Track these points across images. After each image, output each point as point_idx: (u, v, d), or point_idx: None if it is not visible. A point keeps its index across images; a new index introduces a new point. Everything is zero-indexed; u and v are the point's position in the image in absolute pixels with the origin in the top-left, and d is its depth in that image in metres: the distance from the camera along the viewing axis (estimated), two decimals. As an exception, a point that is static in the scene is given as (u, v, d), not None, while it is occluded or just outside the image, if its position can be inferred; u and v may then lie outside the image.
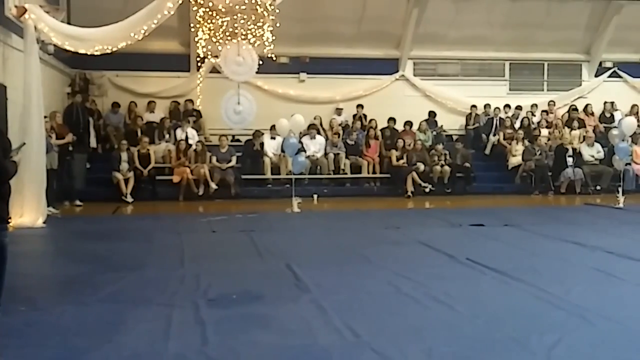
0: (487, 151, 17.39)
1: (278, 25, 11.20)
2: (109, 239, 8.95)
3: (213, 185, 14.51)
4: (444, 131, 17.76)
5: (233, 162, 15.06)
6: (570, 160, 15.74)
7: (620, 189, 12.96)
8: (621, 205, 12.54)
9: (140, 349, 4.16)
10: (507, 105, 18.17)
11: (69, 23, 12.93)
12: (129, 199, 14.08)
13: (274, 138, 15.59)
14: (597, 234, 9.09)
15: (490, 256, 7.18)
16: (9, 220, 5.19)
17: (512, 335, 4.34)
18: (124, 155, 14.43)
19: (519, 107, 18.09)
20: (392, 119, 17.13)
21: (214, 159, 14.97)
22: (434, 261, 7.17)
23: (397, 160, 15.75)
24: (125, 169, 14.29)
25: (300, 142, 14.73)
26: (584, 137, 16.72)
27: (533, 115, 18.02)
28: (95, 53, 11.02)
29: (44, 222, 10.25)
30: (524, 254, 7.68)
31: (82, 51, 11.17)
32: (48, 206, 10.86)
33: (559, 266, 6.82)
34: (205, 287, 5.82)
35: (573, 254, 7.54)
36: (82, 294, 5.58)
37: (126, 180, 14.22)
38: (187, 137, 15.38)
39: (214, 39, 10.84)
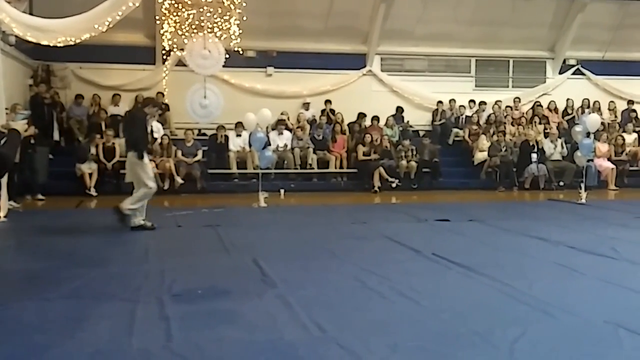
0: (450, 141, 17.54)
1: (245, 18, 11.16)
2: (72, 233, 8.82)
3: (179, 180, 14.39)
4: (411, 127, 17.87)
5: (199, 157, 14.95)
6: (534, 156, 15.95)
7: (582, 185, 13.17)
8: (583, 201, 12.75)
9: (103, 345, 4.09)
10: (472, 101, 18.36)
11: (31, 14, 12.70)
12: (93, 192, 13.90)
13: (239, 135, 15.50)
14: (560, 229, 9.22)
15: (455, 251, 7.23)
16: None
17: (476, 330, 4.38)
18: (93, 149, 14.24)
19: (483, 103, 18.27)
20: (362, 114, 17.19)
21: (179, 153, 14.84)
22: (400, 256, 7.19)
23: (364, 155, 15.80)
24: (90, 162, 14.10)
25: (267, 136, 14.69)
26: (547, 133, 16.97)
27: (500, 111, 18.21)
28: (58, 45, 10.85)
29: (4, 217, 10.06)
30: (488, 249, 7.76)
31: (44, 42, 11.00)
32: (9, 200, 10.66)
33: (522, 261, 6.89)
34: (170, 282, 5.76)
35: (536, 249, 7.63)
36: (44, 290, 5.48)
37: (90, 174, 14.03)
38: (152, 131, 15.20)
39: (180, 32, 10.75)
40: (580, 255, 7.15)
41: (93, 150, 14.20)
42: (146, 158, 8.97)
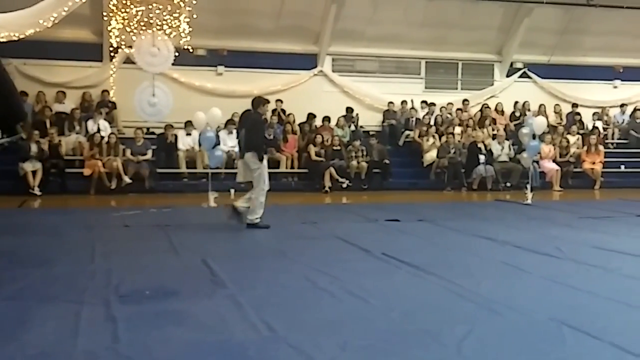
0: (401, 143, 17.71)
1: (195, 16, 11.04)
2: (15, 233, 8.58)
3: (126, 179, 14.16)
4: (361, 127, 17.97)
5: (149, 156, 14.74)
6: (482, 157, 16.22)
7: (528, 186, 13.45)
8: (529, 201, 13.00)
9: (48, 347, 3.99)
10: (424, 102, 18.55)
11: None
12: (37, 192, 13.56)
13: (189, 134, 15.34)
14: (507, 229, 9.39)
15: (404, 251, 7.29)
16: None
17: (425, 328, 4.42)
18: (34, 147, 13.88)
19: (432, 104, 18.49)
20: (312, 115, 17.21)
21: (128, 152, 14.61)
22: (350, 256, 7.22)
23: (315, 155, 15.81)
24: (34, 161, 13.75)
25: (217, 136, 14.56)
26: (495, 135, 17.27)
27: (449, 113, 18.45)
28: (1, 39, 10.55)
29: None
30: (437, 248, 7.86)
31: (-15, 37, 10.70)
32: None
33: (470, 260, 7.00)
34: (117, 283, 5.65)
35: (484, 248, 7.76)
36: (-15, 292, 5.32)
37: (34, 173, 13.68)
38: (99, 129, 14.95)
39: (128, 29, 10.57)
40: (526, 254, 7.30)
41: (34, 149, 13.84)
42: (265, 160, 9.16)
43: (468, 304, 5.08)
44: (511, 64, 19.82)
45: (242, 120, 9.60)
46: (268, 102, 9.50)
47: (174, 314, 4.77)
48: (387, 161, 16.25)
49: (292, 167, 16.11)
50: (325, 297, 5.30)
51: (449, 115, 18.34)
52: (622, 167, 18.07)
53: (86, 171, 14.15)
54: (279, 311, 4.84)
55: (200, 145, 14.64)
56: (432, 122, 17.90)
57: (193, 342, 4.12)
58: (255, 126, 9.35)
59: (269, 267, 6.53)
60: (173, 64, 14.08)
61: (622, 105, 20.19)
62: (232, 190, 14.10)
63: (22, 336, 4.16)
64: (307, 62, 18.26)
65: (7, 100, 2.70)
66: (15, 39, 10.56)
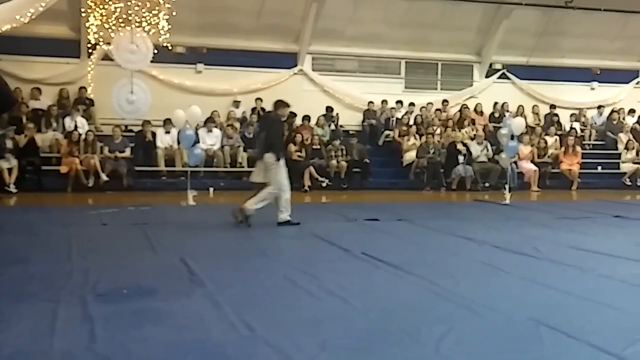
0: (380, 142, 17.74)
1: (174, 14, 10.95)
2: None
3: (103, 177, 14.05)
4: (341, 126, 17.97)
5: (127, 154, 14.63)
6: (461, 158, 16.30)
7: (506, 186, 13.54)
8: (507, 201, 13.10)
9: (23, 347, 3.93)
10: (400, 102, 18.59)
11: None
12: (13, 189, 13.39)
13: (168, 132, 15.24)
14: (485, 229, 9.44)
15: (384, 250, 7.30)
16: None
17: (403, 328, 4.42)
18: (9, 143, 13.70)
19: (412, 104, 18.54)
20: (292, 114, 17.16)
21: (105, 149, 14.49)
22: (330, 255, 7.22)
23: (295, 154, 15.79)
24: (9, 158, 13.59)
25: (196, 134, 14.48)
26: (474, 135, 17.37)
27: (428, 113, 18.51)
28: (-23, 35, 10.43)
29: None
30: (416, 248, 7.88)
31: (-40, 32, 10.54)
32: None
33: (449, 260, 7.02)
34: (94, 282, 5.59)
35: (462, 248, 7.79)
36: (-41, 290, 5.24)
37: (9, 170, 13.51)
38: (76, 126, 14.80)
39: (106, 25, 10.47)
40: (504, 254, 7.34)
41: (9, 145, 13.66)
42: (282, 160, 9.26)
43: (447, 303, 5.09)
44: (490, 65, 19.95)
45: (262, 122, 9.76)
46: (289, 105, 9.63)
47: (151, 313, 4.73)
48: (367, 160, 16.28)
49: (271, 166, 16.03)
50: (304, 296, 5.29)
51: (428, 115, 18.40)
52: (599, 168, 18.26)
53: (63, 169, 14.00)
54: (258, 310, 4.82)
55: (179, 143, 14.56)
56: (411, 122, 17.92)
57: (171, 342, 4.09)
58: (275, 127, 9.55)
59: (248, 266, 6.51)
60: (152, 62, 13.97)
61: (599, 107, 20.43)
62: (211, 189, 14.12)
63: (-3, 335, 4.10)
64: (287, 60, 18.24)
65: None
66: (-8, 34, 10.44)
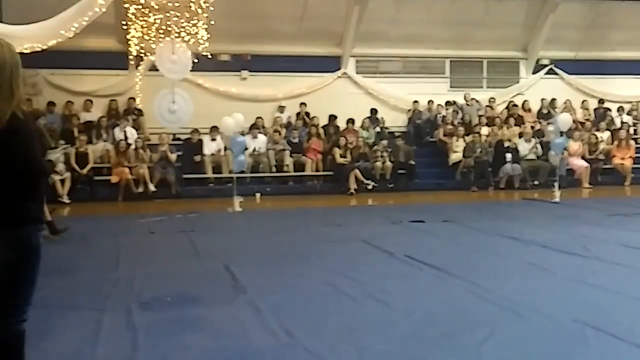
0: (426, 142, 17.60)
1: (213, 22, 11.06)
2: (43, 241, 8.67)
3: (151, 187, 14.28)
4: (386, 128, 17.88)
5: (173, 159, 14.87)
6: (508, 156, 16.03)
7: (556, 184, 13.26)
8: (557, 199, 12.84)
9: (67, 356, 4.04)
10: (448, 102, 18.42)
11: (1, 21, 12.56)
12: (66, 200, 13.74)
13: (214, 139, 15.42)
14: (533, 228, 9.27)
15: (428, 253, 7.24)
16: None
17: (445, 331, 4.38)
18: (60, 156, 14.07)
19: (452, 102, 18.30)
20: (333, 117, 17.20)
21: (154, 157, 14.74)
22: (373, 259, 7.19)
23: (340, 157, 15.79)
24: (62, 170, 13.95)
25: (243, 140, 14.62)
26: (521, 133, 17.07)
27: (477, 102, 18.28)
28: (25, 51, 10.71)
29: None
30: (461, 249, 7.79)
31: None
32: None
33: (494, 261, 6.92)
34: (139, 290, 5.70)
35: (509, 248, 7.67)
36: (9, 300, 5.38)
37: (62, 181, 13.87)
38: (126, 137, 15.10)
39: (147, 37, 10.67)
40: (551, 254, 7.20)
41: (61, 158, 14.02)
42: None
43: (490, 306, 5.02)
44: (537, 61, 19.55)
45: None
46: None
47: (193, 321, 4.79)
48: (412, 162, 16.15)
49: (317, 170, 16.09)
50: (346, 301, 5.29)
51: (477, 108, 18.21)
52: (654, 162, 17.72)
53: (114, 178, 14.29)
54: (299, 316, 4.83)
55: (225, 149, 14.75)
56: (457, 121, 17.70)
57: (211, 349, 4.14)
58: None
59: (291, 272, 6.52)
60: (197, 70, 14.13)
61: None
62: (258, 194, 14.23)
63: (42, 344, 4.20)
64: (330, 64, 18.23)
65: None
66: (38, 49, 10.69)
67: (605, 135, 17.73)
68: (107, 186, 14.40)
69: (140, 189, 14.29)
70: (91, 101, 16.33)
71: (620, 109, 19.26)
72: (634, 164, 16.96)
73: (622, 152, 16.97)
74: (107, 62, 16.20)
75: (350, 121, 17.11)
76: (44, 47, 10.82)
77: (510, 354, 3.95)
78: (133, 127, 15.80)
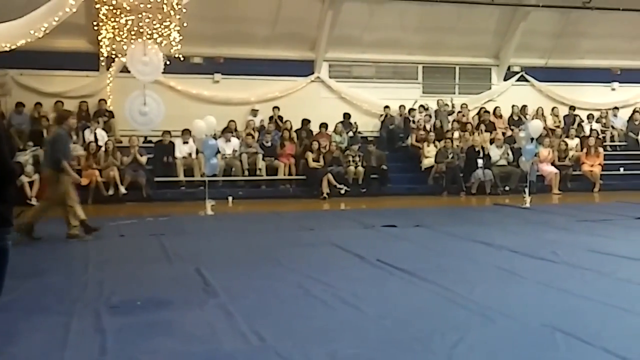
0: (398, 147, 17.69)
1: (185, 24, 11.00)
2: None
3: (122, 190, 14.13)
4: (359, 132, 17.92)
5: (143, 161, 14.72)
6: (480, 161, 16.16)
7: (526, 190, 13.40)
8: (527, 205, 12.97)
9: (34, 360, 3.97)
10: (422, 106, 18.51)
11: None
12: (34, 202, 13.52)
13: (186, 142, 15.32)
14: (504, 233, 9.36)
15: (400, 257, 7.26)
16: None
17: (416, 336, 4.39)
18: (29, 157, 13.86)
19: (425, 107, 18.43)
20: (306, 120, 17.19)
21: (125, 160, 14.59)
22: (345, 263, 7.20)
23: (313, 161, 15.78)
24: (30, 171, 13.74)
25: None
26: (493, 139, 17.23)
27: (451, 107, 18.42)
28: (-8, 51, 10.57)
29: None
30: (432, 254, 7.82)
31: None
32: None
33: (465, 265, 6.97)
34: (109, 293, 5.63)
35: (480, 253, 7.72)
36: (-26, 304, 5.28)
37: (31, 183, 13.66)
38: (96, 139, 14.93)
39: (119, 38, 10.57)
40: (521, 259, 7.27)
41: (30, 160, 13.81)
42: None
43: (461, 310, 5.04)
44: (508, 68, 19.76)
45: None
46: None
47: (164, 325, 4.75)
48: (385, 167, 16.21)
49: (290, 174, 16.07)
50: (317, 305, 5.28)
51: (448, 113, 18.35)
52: (622, 169, 18.00)
53: (84, 181, 14.07)
54: (270, 320, 4.81)
55: (197, 152, 14.66)
56: (430, 126, 17.80)
57: (181, 353, 4.10)
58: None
59: (263, 275, 6.50)
60: (170, 72, 14.04)
61: (615, 108, 20.15)
62: (230, 198, 14.15)
63: (8, 348, 4.14)
64: (303, 68, 18.23)
65: None
66: (7, 49, 10.52)
67: (575, 142, 17.97)
68: (76, 188, 14.17)
69: (111, 192, 14.14)
70: (62, 102, 16.11)
71: (590, 117, 19.54)
72: (602, 170, 17.20)
73: (591, 159, 17.21)
74: (77, 63, 16.00)
75: (323, 125, 17.11)
76: (13, 47, 10.64)
77: (481, 358, 3.97)
78: (104, 129, 15.64)
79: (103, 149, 14.61)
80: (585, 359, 3.97)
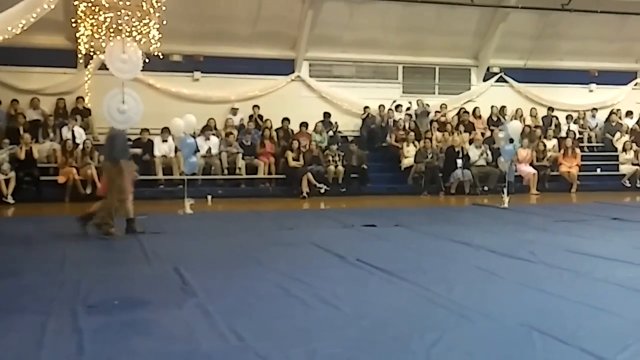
0: (378, 147, 17.70)
1: (165, 22, 10.94)
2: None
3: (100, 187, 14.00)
4: (340, 132, 17.93)
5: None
6: (459, 162, 16.25)
7: (505, 190, 13.50)
8: (506, 205, 13.06)
9: (10, 360, 3.91)
10: (399, 106, 18.57)
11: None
12: (10, 200, 13.38)
13: (165, 141, 15.22)
14: (483, 233, 9.40)
15: (379, 256, 7.27)
16: None
17: (395, 335, 4.39)
18: (5, 155, 13.70)
19: (408, 107, 18.51)
20: (286, 119, 17.16)
21: (102, 158, 14.45)
22: (325, 262, 7.19)
23: (293, 161, 15.76)
24: (6, 169, 13.58)
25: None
26: (472, 139, 17.33)
27: (424, 107, 18.49)
28: (-31, 47, 10.42)
29: None
30: (412, 253, 7.84)
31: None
32: None
33: (444, 265, 6.99)
34: (86, 293, 5.57)
35: (458, 253, 7.75)
36: (-51, 303, 5.22)
37: (7, 181, 13.50)
38: (73, 136, 14.78)
39: (97, 35, 10.49)
40: (500, 259, 7.31)
41: (6, 157, 13.66)
42: None
43: (440, 310, 5.06)
44: (488, 69, 19.90)
45: None
46: None
47: (141, 324, 4.71)
48: (365, 166, 16.24)
49: (269, 173, 16.04)
50: (296, 304, 5.26)
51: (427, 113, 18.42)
52: (599, 170, 18.20)
53: (60, 179, 13.98)
54: (249, 320, 4.79)
55: (176, 151, 14.57)
56: (409, 126, 17.86)
57: (159, 353, 4.06)
58: None
59: (242, 275, 6.47)
60: (149, 70, 13.89)
61: (593, 110, 20.40)
62: (209, 197, 14.09)
63: (-17, 349, 4.07)
64: (284, 67, 18.21)
65: None
66: (-16, 46, 10.43)
67: (553, 143, 18.13)
68: (53, 187, 14.07)
69: (88, 190, 14.00)
70: (38, 99, 15.94)
71: (568, 118, 19.73)
72: (579, 171, 17.39)
73: (568, 160, 17.39)
74: (55, 59, 15.86)
75: (304, 124, 17.11)
76: (-11, 43, 10.54)
77: (459, 358, 3.99)
78: (81, 126, 15.51)
79: (81, 147, 14.49)
80: (561, 358, 4.00)
